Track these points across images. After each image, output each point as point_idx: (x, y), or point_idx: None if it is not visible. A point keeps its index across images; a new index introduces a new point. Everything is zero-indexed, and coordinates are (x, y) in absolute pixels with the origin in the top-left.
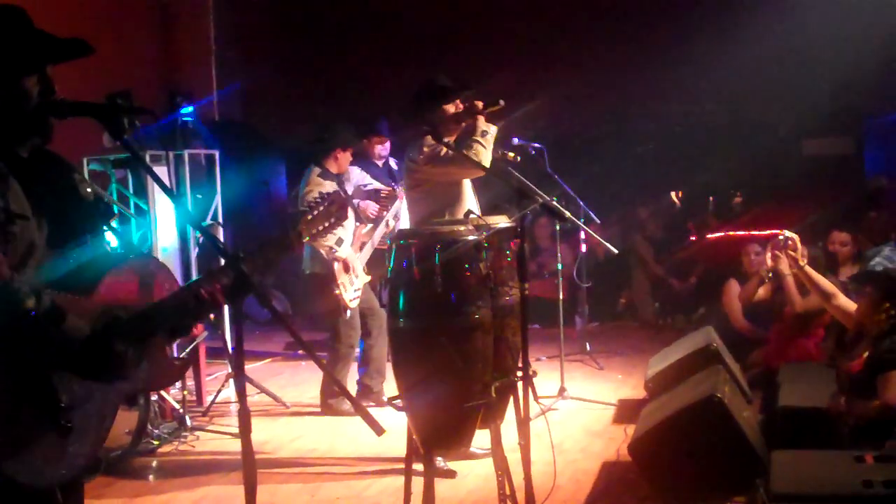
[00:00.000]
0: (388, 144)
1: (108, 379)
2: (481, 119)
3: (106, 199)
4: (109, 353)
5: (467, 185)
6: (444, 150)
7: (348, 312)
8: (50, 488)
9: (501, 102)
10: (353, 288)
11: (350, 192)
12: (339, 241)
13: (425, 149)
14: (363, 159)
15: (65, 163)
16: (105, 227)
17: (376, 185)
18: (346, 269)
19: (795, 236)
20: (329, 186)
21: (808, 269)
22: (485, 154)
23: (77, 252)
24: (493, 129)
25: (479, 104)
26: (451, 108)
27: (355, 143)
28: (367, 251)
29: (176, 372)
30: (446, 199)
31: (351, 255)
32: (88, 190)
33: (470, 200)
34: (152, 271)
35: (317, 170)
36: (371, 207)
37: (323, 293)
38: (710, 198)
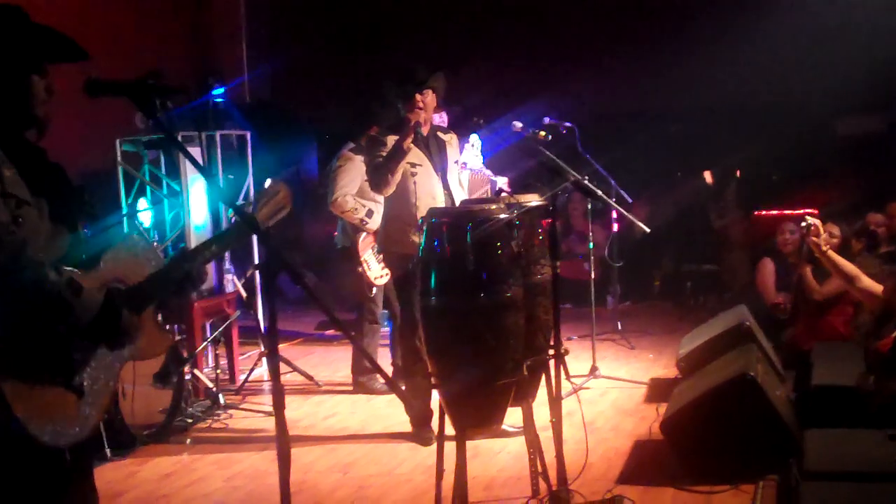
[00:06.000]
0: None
1: (116, 344)
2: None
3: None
4: (118, 321)
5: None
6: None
7: (374, 290)
8: (64, 448)
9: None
10: (380, 266)
11: None
12: (370, 213)
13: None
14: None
15: (47, 154)
16: (89, 215)
17: None
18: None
19: (818, 222)
20: (360, 162)
21: (831, 253)
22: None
23: (80, 234)
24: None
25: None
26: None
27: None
28: None
29: (166, 341)
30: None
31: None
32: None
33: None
34: (141, 249)
35: (350, 144)
36: None
37: (351, 269)
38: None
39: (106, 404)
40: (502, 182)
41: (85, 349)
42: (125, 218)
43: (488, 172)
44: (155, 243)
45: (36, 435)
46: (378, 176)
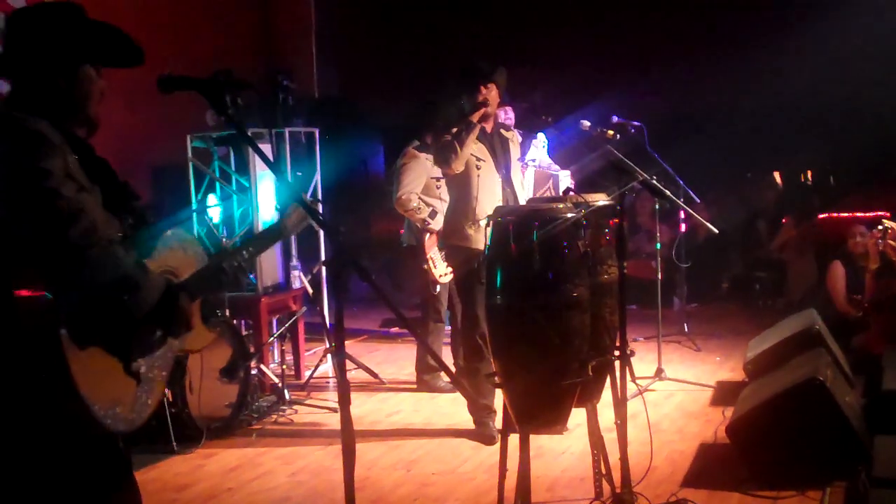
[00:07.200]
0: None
1: (173, 330)
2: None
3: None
4: (177, 306)
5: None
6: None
7: (437, 287)
8: (122, 433)
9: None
10: (444, 264)
11: None
12: (433, 213)
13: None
14: None
15: (95, 150)
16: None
17: None
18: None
19: (894, 225)
20: (424, 160)
21: None
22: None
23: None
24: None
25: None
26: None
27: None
28: None
29: (209, 337)
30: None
31: None
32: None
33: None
34: (188, 244)
35: (415, 142)
36: None
37: (417, 267)
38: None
39: (160, 394)
40: (564, 176)
41: (143, 336)
42: (195, 213)
43: (555, 167)
44: (223, 239)
45: (99, 417)
46: (446, 150)
